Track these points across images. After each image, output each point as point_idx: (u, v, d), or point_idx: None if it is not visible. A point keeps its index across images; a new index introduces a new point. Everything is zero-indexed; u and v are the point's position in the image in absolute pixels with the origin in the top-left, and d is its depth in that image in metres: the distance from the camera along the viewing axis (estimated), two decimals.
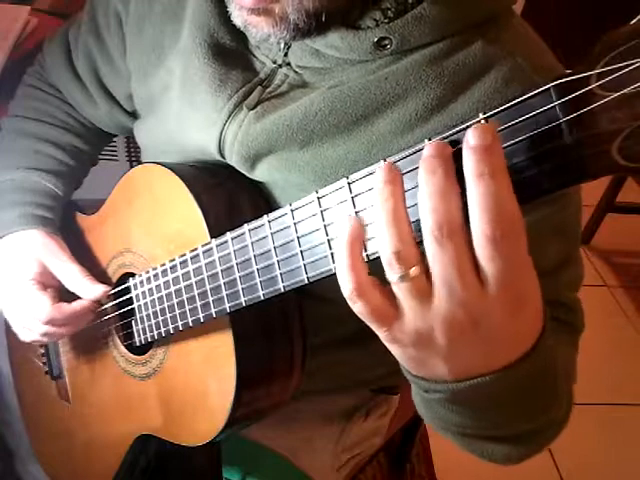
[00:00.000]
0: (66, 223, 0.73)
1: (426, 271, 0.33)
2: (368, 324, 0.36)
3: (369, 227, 0.37)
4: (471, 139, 0.30)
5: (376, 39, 0.50)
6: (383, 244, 0.33)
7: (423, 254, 0.33)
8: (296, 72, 0.56)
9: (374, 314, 0.35)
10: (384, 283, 0.35)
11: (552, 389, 0.45)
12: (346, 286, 0.35)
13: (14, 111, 0.78)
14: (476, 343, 0.35)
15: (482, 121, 0.32)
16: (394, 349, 0.37)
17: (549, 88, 0.30)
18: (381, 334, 0.36)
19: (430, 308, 0.34)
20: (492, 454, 0.49)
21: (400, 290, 0.34)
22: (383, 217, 0.33)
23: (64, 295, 0.66)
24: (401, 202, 0.33)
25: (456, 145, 0.32)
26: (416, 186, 0.34)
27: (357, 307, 0.35)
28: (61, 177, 0.73)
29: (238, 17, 0.51)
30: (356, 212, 0.37)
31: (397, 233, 0.33)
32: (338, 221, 0.39)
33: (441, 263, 0.32)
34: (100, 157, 0.85)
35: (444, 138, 0.33)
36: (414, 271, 0.33)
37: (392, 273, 0.33)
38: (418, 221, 0.33)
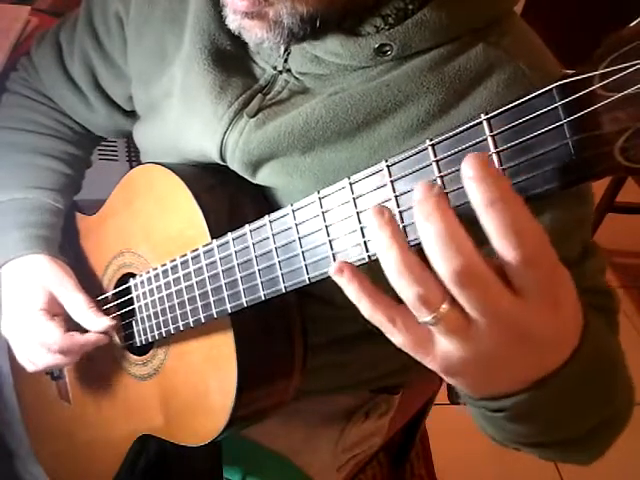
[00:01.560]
0: (66, 223, 0.73)
1: (453, 301, 0.32)
2: (415, 357, 0.35)
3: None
4: (469, 170, 0.29)
5: (377, 45, 0.50)
6: (404, 294, 0.32)
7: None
8: (296, 78, 0.56)
9: (415, 346, 0.34)
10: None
11: (610, 378, 0.45)
12: (380, 325, 0.34)
13: (3, 122, 0.76)
14: (528, 352, 0.34)
15: (484, 123, 0.32)
16: (450, 380, 0.36)
17: (552, 89, 0.30)
18: (431, 367, 0.35)
19: (472, 336, 0.33)
20: (567, 457, 0.48)
21: (437, 330, 0.33)
22: (392, 269, 0.32)
23: (72, 323, 0.65)
24: (404, 248, 0.32)
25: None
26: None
27: (397, 341, 0.34)
28: (61, 190, 0.73)
29: (233, 21, 0.51)
30: (357, 213, 0.37)
31: (413, 280, 0.31)
32: (343, 225, 0.38)
33: (470, 302, 0.31)
34: (100, 157, 0.85)
35: (446, 139, 0.33)
36: (444, 309, 0.32)
37: (422, 317, 0.32)
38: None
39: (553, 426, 0.43)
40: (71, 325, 0.65)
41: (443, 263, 0.30)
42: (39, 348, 0.64)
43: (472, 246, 0.30)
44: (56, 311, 0.65)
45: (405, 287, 0.31)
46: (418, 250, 0.32)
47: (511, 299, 0.31)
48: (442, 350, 0.34)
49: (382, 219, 0.32)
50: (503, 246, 0.30)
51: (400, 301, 0.33)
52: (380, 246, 0.32)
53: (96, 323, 0.63)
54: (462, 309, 0.32)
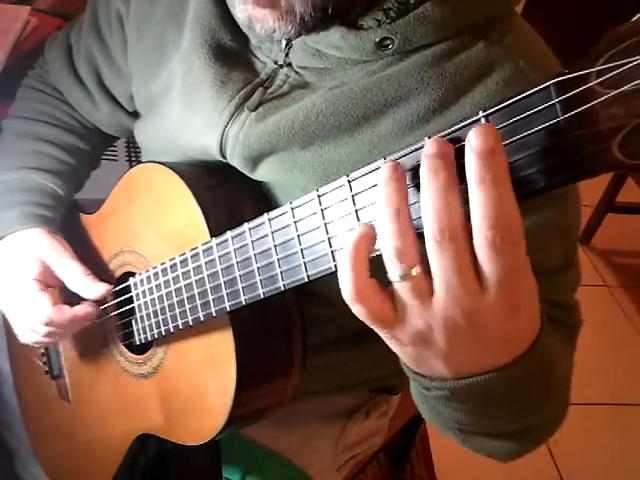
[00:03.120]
0: (67, 223, 0.73)
1: (426, 271, 0.33)
2: (368, 325, 0.36)
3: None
4: (473, 141, 0.30)
5: (378, 39, 0.50)
6: (385, 241, 0.33)
7: (424, 254, 0.33)
8: (297, 72, 0.56)
9: (373, 316, 0.35)
10: (384, 285, 0.35)
11: (548, 387, 0.45)
12: (346, 287, 0.35)
13: (15, 113, 0.78)
14: (474, 343, 0.35)
15: (482, 119, 0.32)
16: (394, 347, 0.38)
17: (549, 86, 0.30)
18: (381, 334, 0.36)
19: (429, 308, 0.34)
20: (491, 450, 0.49)
21: (400, 289, 0.34)
22: (385, 215, 0.33)
23: (66, 295, 0.65)
24: (404, 200, 0.33)
25: (458, 142, 0.32)
26: (417, 184, 0.34)
27: (356, 309, 0.35)
28: (62, 177, 0.73)
29: (243, 12, 0.50)
30: (356, 210, 0.37)
31: (399, 231, 0.33)
32: (341, 222, 0.39)
33: (442, 265, 0.32)
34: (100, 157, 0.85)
35: (444, 136, 0.33)
36: (415, 270, 0.33)
37: (393, 271, 0.34)
38: (419, 219, 0.33)
39: (482, 419, 0.44)
40: (67, 297, 0.65)
41: (433, 218, 0.31)
42: (30, 319, 0.64)
43: (464, 216, 0.31)
44: (50, 282, 0.65)
45: (389, 237, 0.33)
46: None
47: (475, 285, 0.32)
48: (398, 320, 0.35)
49: (394, 173, 0.33)
50: (480, 224, 0.30)
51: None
52: (381, 196, 0.33)
53: (93, 290, 0.63)
54: (429, 280, 0.33)
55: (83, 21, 0.74)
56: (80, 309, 0.63)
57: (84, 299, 0.64)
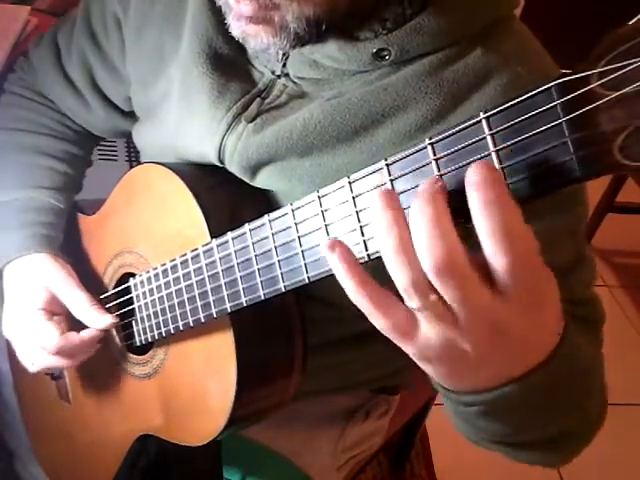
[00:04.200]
0: (67, 223, 0.73)
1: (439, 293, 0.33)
2: (393, 340, 0.35)
3: (368, 227, 0.37)
4: (472, 177, 0.30)
5: (375, 50, 0.50)
6: (397, 276, 0.33)
7: None
8: (295, 83, 0.55)
9: (396, 330, 0.34)
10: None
11: (582, 386, 0.45)
12: (363, 307, 0.34)
13: (2, 123, 0.76)
14: (503, 351, 0.35)
15: (483, 121, 0.32)
16: (424, 366, 0.37)
17: (550, 87, 0.30)
18: (408, 350, 0.36)
19: (453, 327, 0.33)
20: (537, 458, 0.49)
21: (422, 316, 0.34)
22: (390, 248, 0.32)
23: (73, 323, 0.65)
24: (405, 230, 0.32)
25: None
26: (415, 186, 0.34)
27: (379, 324, 0.34)
28: (63, 190, 0.73)
29: (237, 28, 0.50)
30: (357, 211, 0.38)
31: (408, 263, 0.32)
32: (342, 223, 0.39)
33: (448, 293, 0.32)
34: (100, 157, 0.85)
35: (446, 137, 0.33)
36: (432, 298, 0.33)
37: (411, 302, 0.33)
38: None
39: (522, 426, 0.44)
40: (72, 325, 0.64)
41: (427, 252, 0.31)
42: (38, 349, 0.64)
43: (457, 241, 0.31)
44: (56, 310, 0.65)
45: (400, 269, 0.32)
46: None
47: (491, 296, 0.32)
48: (423, 335, 0.34)
49: (388, 201, 0.33)
50: (492, 249, 0.30)
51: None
52: (382, 226, 0.33)
53: (99, 320, 0.62)
54: (445, 301, 0.33)
55: (73, 22, 0.73)
56: (86, 333, 0.62)
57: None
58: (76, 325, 0.64)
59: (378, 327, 0.35)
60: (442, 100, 0.49)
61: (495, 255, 0.30)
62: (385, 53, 0.50)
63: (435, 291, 0.32)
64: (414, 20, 0.49)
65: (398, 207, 0.33)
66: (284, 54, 0.55)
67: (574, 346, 0.40)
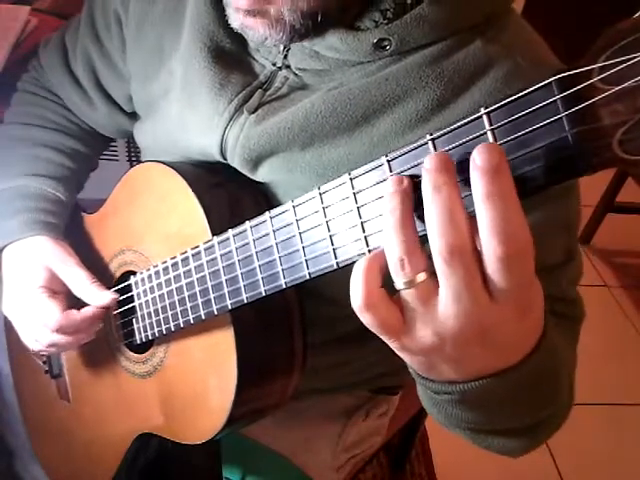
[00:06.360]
0: (67, 223, 0.73)
1: (432, 276, 0.33)
2: (377, 334, 0.36)
3: (369, 223, 0.37)
4: (478, 158, 0.30)
5: (375, 40, 0.50)
6: (390, 250, 0.33)
7: (429, 258, 0.33)
8: (296, 74, 0.56)
9: (382, 326, 0.35)
10: (392, 293, 0.35)
11: (555, 383, 0.46)
12: (356, 297, 0.34)
13: (10, 118, 0.77)
14: (484, 349, 0.35)
15: (484, 117, 0.32)
16: (403, 356, 0.37)
17: (551, 82, 0.30)
18: (391, 344, 0.36)
19: (437, 315, 0.34)
20: (501, 448, 0.49)
21: (407, 296, 0.34)
22: (390, 224, 0.33)
23: (73, 302, 0.65)
24: (408, 211, 0.33)
25: (459, 155, 0.32)
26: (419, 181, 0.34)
27: (365, 318, 0.35)
28: (62, 181, 0.73)
29: (235, 20, 0.51)
30: (358, 207, 0.38)
31: (404, 240, 0.33)
32: (343, 220, 0.39)
33: (450, 281, 0.32)
34: (100, 157, 0.85)
35: (446, 133, 0.33)
36: (420, 277, 0.33)
37: (398, 279, 0.33)
38: (421, 214, 0.33)
39: (493, 417, 0.44)
40: (72, 303, 0.65)
41: (439, 235, 0.31)
42: (40, 327, 0.64)
43: (470, 229, 0.31)
44: (57, 289, 0.65)
45: (394, 245, 0.33)
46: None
47: (485, 298, 0.32)
48: (407, 329, 0.35)
49: (399, 186, 0.33)
50: (490, 240, 0.30)
51: None
52: (388, 206, 0.33)
53: (99, 297, 0.63)
54: (435, 285, 0.33)
55: (79, 23, 0.74)
56: (87, 310, 0.63)
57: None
58: (76, 304, 0.64)
59: (365, 322, 0.35)
60: (443, 90, 0.50)
61: (492, 247, 0.30)
62: (386, 43, 0.50)
63: (425, 272, 0.33)
64: (414, 10, 0.49)
65: (406, 192, 0.33)
66: (285, 46, 0.55)
67: (552, 345, 0.40)
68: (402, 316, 0.35)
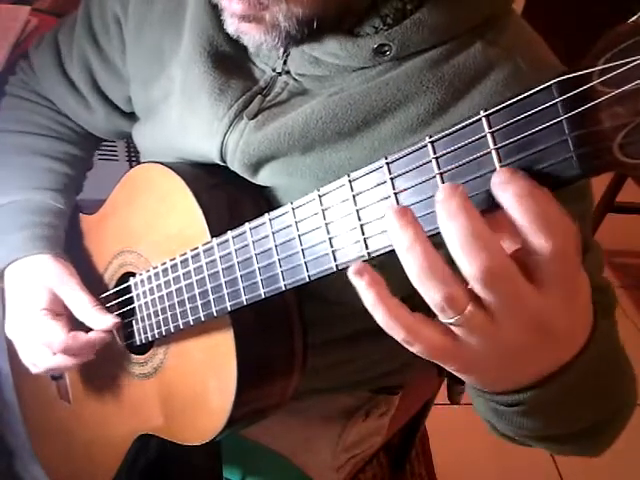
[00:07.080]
0: (68, 223, 0.73)
1: (476, 301, 0.31)
2: (436, 362, 0.34)
3: (368, 225, 0.37)
4: (496, 179, 0.30)
5: (375, 45, 0.50)
6: (428, 295, 0.31)
7: (465, 282, 0.31)
8: (296, 80, 0.56)
9: (436, 352, 0.33)
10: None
11: (616, 367, 0.46)
12: (397, 335, 0.33)
13: (3, 125, 0.76)
14: (545, 345, 0.35)
15: (483, 119, 0.32)
16: (466, 378, 0.36)
17: (551, 85, 0.29)
18: (450, 368, 0.35)
19: (496, 333, 0.32)
20: (575, 450, 0.50)
21: (460, 331, 0.33)
22: (416, 269, 0.31)
23: (76, 323, 0.65)
24: (429, 245, 0.31)
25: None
26: (418, 184, 0.34)
27: (416, 350, 0.33)
28: (62, 191, 0.73)
29: (231, 25, 0.51)
30: (357, 210, 0.37)
31: (439, 280, 0.31)
32: (342, 222, 0.38)
33: (497, 300, 0.31)
34: (100, 157, 0.85)
35: (446, 136, 0.33)
36: (469, 310, 0.31)
37: (447, 318, 0.32)
38: (426, 216, 0.33)
39: (563, 419, 0.44)
40: (74, 325, 0.64)
41: (470, 262, 0.30)
42: (43, 349, 0.64)
43: (499, 243, 0.30)
44: (59, 311, 0.65)
45: (431, 289, 0.31)
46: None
47: (535, 293, 0.31)
48: (464, 351, 0.33)
49: (404, 219, 0.32)
50: (533, 239, 0.30)
51: (413, 305, 0.33)
52: (402, 247, 0.31)
53: (101, 321, 0.62)
54: (485, 308, 0.31)
55: (73, 24, 0.73)
56: (94, 334, 0.62)
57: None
58: (78, 326, 0.64)
59: (416, 352, 0.33)
60: (443, 94, 0.50)
61: (538, 245, 0.30)
62: (386, 49, 0.50)
63: (471, 301, 0.31)
64: (414, 15, 0.49)
65: (414, 224, 0.31)
66: (285, 52, 0.55)
67: (606, 333, 0.40)
68: (454, 337, 0.33)
